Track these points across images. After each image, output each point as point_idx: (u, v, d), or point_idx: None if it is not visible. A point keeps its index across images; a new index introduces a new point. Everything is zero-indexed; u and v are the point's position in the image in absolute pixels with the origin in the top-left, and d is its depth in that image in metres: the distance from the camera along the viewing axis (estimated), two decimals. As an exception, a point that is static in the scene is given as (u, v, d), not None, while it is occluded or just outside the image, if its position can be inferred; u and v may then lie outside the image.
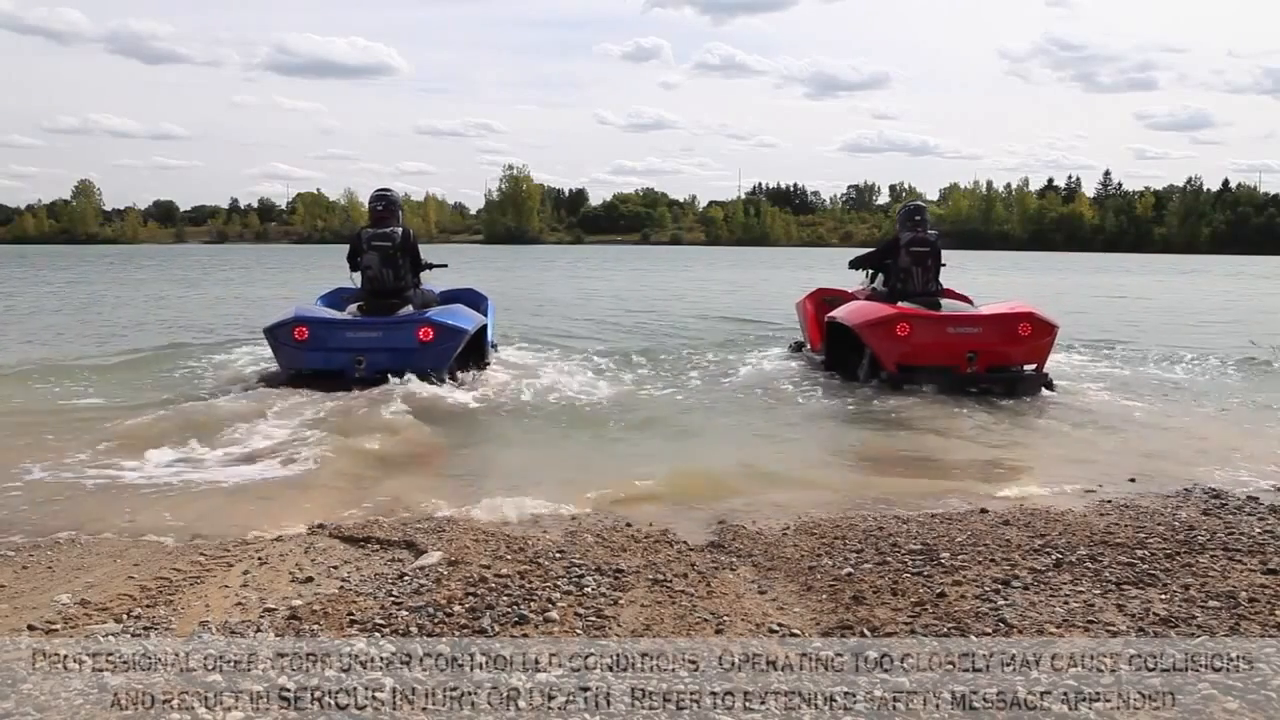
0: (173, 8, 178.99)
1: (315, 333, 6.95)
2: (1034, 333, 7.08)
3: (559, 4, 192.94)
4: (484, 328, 8.04)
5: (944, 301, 7.87)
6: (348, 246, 7.72)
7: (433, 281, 8.20)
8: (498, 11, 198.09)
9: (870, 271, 8.30)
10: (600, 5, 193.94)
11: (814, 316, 8.77)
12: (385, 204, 7.60)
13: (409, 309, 7.43)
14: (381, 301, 7.42)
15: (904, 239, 7.88)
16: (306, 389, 6.76)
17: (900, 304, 7.52)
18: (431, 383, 6.86)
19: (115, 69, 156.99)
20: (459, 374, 7.32)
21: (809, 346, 9.10)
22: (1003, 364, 7.16)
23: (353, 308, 7.55)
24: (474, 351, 7.73)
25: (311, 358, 6.97)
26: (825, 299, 8.83)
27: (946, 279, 8.12)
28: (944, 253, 8.04)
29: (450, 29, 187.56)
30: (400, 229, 7.57)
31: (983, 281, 23.43)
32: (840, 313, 7.72)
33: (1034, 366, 7.22)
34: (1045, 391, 7.16)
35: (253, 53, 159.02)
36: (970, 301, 8.08)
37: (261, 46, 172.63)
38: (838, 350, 7.86)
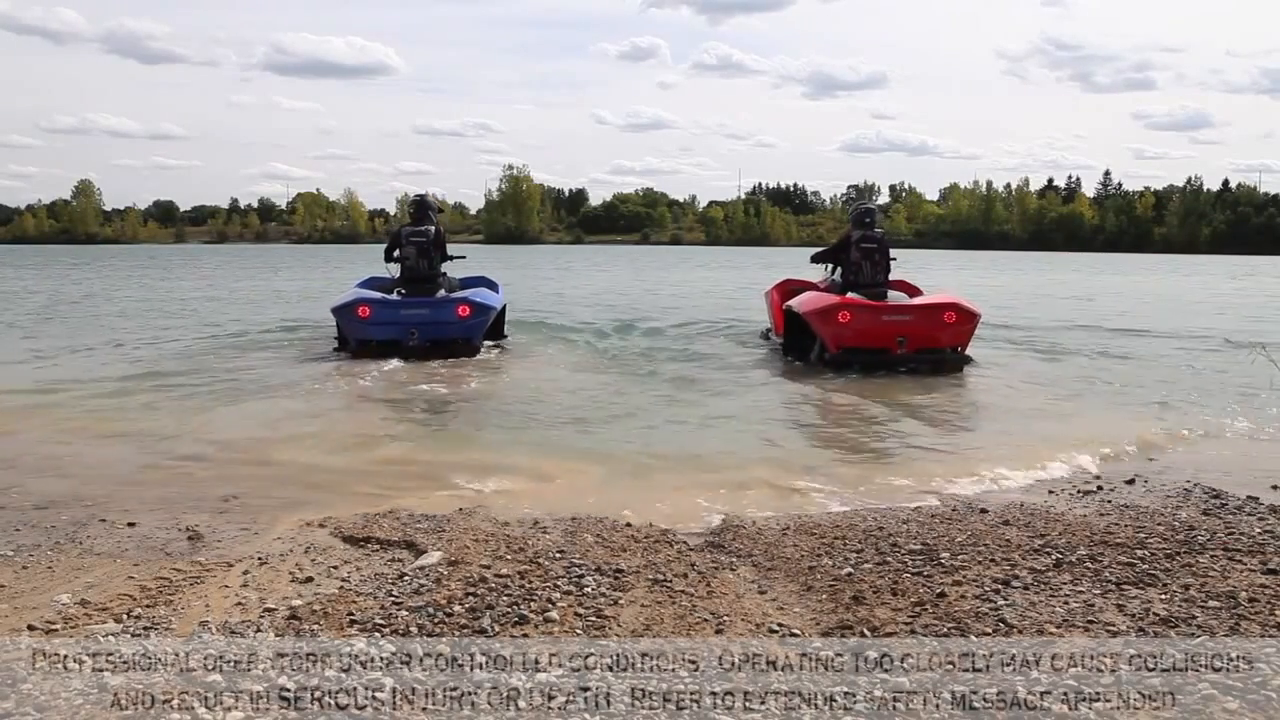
0: (169, 8, 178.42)
1: (376, 310, 8.61)
2: (958, 320, 8.19)
3: (555, 4, 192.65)
4: (504, 306, 9.82)
5: (891, 292, 8.81)
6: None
7: (452, 270, 9.63)
8: (493, 11, 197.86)
9: (831, 266, 9.17)
10: (597, 5, 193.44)
11: (778, 305, 9.67)
12: (420, 207, 9.30)
13: (441, 292, 9.05)
14: (418, 286, 9.00)
15: (854, 237, 8.79)
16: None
17: (849, 295, 8.43)
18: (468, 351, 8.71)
19: (112, 69, 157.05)
20: (485, 343, 9.06)
21: (774, 332, 10.01)
22: (930, 347, 8.17)
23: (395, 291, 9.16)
24: (495, 326, 9.43)
25: (374, 330, 8.59)
26: (790, 289, 9.78)
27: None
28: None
29: (446, 29, 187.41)
30: (433, 227, 9.15)
31: (974, 281, 23.46)
32: (795, 302, 8.77)
33: (959, 349, 8.32)
34: (968, 367, 8.31)
35: (250, 53, 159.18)
36: (921, 293, 9.16)
37: (259, 46, 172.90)
38: (795, 335, 8.82)
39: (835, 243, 9.17)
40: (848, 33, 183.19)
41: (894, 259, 8.91)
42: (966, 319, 8.23)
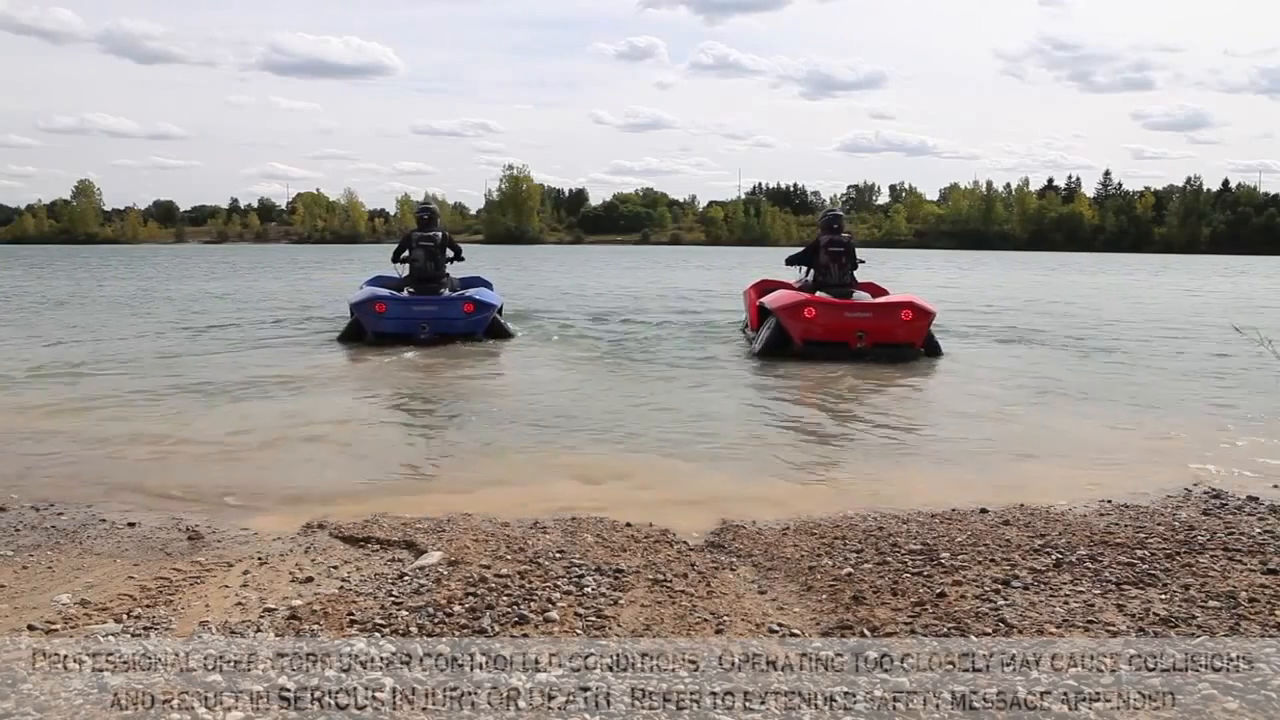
0: (165, 8, 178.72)
1: (391, 307, 9.67)
2: (914, 317, 8.95)
3: (552, 3, 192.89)
4: (500, 305, 10.81)
5: (856, 292, 9.60)
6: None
7: (452, 271, 10.60)
8: (490, 11, 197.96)
9: (804, 267, 9.98)
10: (594, 5, 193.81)
11: (754, 302, 10.46)
12: (429, 214, 10.46)
13: (446, 291, 10.15)
14: (425, 285, 10.11)
15: (823, 241, 9.69)
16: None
17: (817, 294, 9.28)
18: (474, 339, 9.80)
19: (110, 69, 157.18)
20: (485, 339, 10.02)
21: (750, 327, 10.75)
22: (888, 341, 8.86)
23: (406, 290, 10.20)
24: (494, 323, 10.32)
25: (389, 324, 9.62)
26: (766, 288, 10.61)
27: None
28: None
29: (444, 28, 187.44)
30: (440, 232, 10.30)
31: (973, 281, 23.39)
32: (767, 299, 9.64)
33: (915, 344, 9.04)
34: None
35: (247, 52, 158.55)
36: (886, 292, 10.09)
37: (256, 46, 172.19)
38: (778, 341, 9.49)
39: (806, 246, 10.04)
40: (845, 33, 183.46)
41: (862, 260, 9.76)
42: (921, 317, 8.98)
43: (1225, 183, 79.51)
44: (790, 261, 10.17)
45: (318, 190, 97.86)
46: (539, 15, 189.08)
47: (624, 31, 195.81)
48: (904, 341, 8.94)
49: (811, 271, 9.79)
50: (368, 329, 9.80)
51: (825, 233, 9.70)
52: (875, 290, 10.10)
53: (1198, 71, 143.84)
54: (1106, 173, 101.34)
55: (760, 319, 9.81)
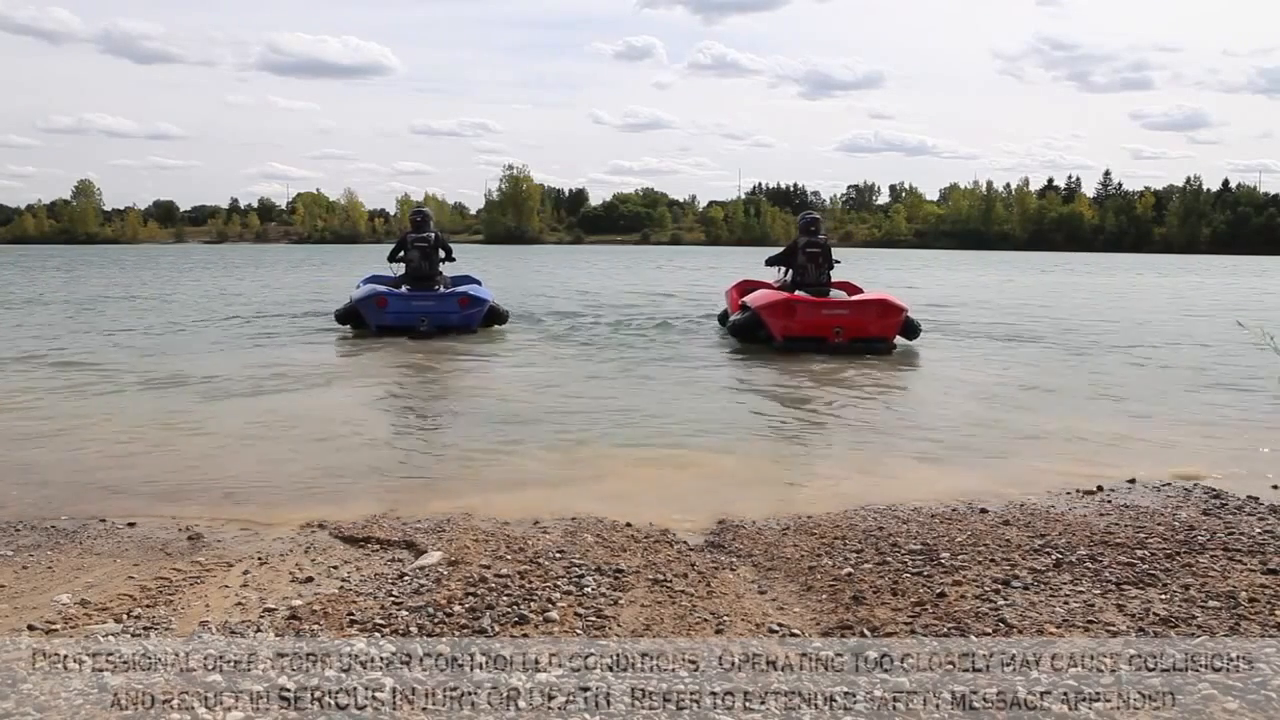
0: (162, 8, 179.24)
1: (392, 302, 10.54)
2: (887, 314, 9.65)
3: (550, 3, 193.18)
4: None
5: (833, 290, 10.31)
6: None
7: (446, 270, 11.34)
8: (488, 11, 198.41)
9: (783, 268, 10.51)
10: (592, 5, 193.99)
11: (736, 301, 11.10)
12: (422, 216, 11.23)
13: (440, 288, 10.93)
14: (421, 283, 10.89)
15: (801, 242, 10.26)
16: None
17: (797, 292, 9.90)
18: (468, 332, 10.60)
19: (108, 69, 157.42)
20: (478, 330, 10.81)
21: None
22: (863, 336, 9.46)
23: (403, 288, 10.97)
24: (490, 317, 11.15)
25: (390, 318, 10.43)
26: (747, 288, 11.28)
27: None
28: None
29: (442, 28, 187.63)
30: (433, 234, 11.07)
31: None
32: (749, 298, 10.34)
33: (888, 337, 9.66)
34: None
35: (245, 53, 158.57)
36: (861, 290, 10.75)
37: (254, 46, 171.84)
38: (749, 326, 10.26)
39: (785, 248, 10.59)
40: (843, 32, 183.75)
41: (838, 261, 10.44)
42: (894, 313, 9.66)
43: (1225, 183, 79.69)
44: (770, 262, 10.71)
45: (318, 190, 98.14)
46: (537, 15, 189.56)
47: (622, 31, 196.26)
48: (878, 336, 9.55)
49: (790, 271, 10.33)
50: (371, 322, 10.50)
51: (803, 235, 10.30)
52: (850, 289, 10.80)
53: (1196, 71, 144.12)
54: (1106, 173, 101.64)
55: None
